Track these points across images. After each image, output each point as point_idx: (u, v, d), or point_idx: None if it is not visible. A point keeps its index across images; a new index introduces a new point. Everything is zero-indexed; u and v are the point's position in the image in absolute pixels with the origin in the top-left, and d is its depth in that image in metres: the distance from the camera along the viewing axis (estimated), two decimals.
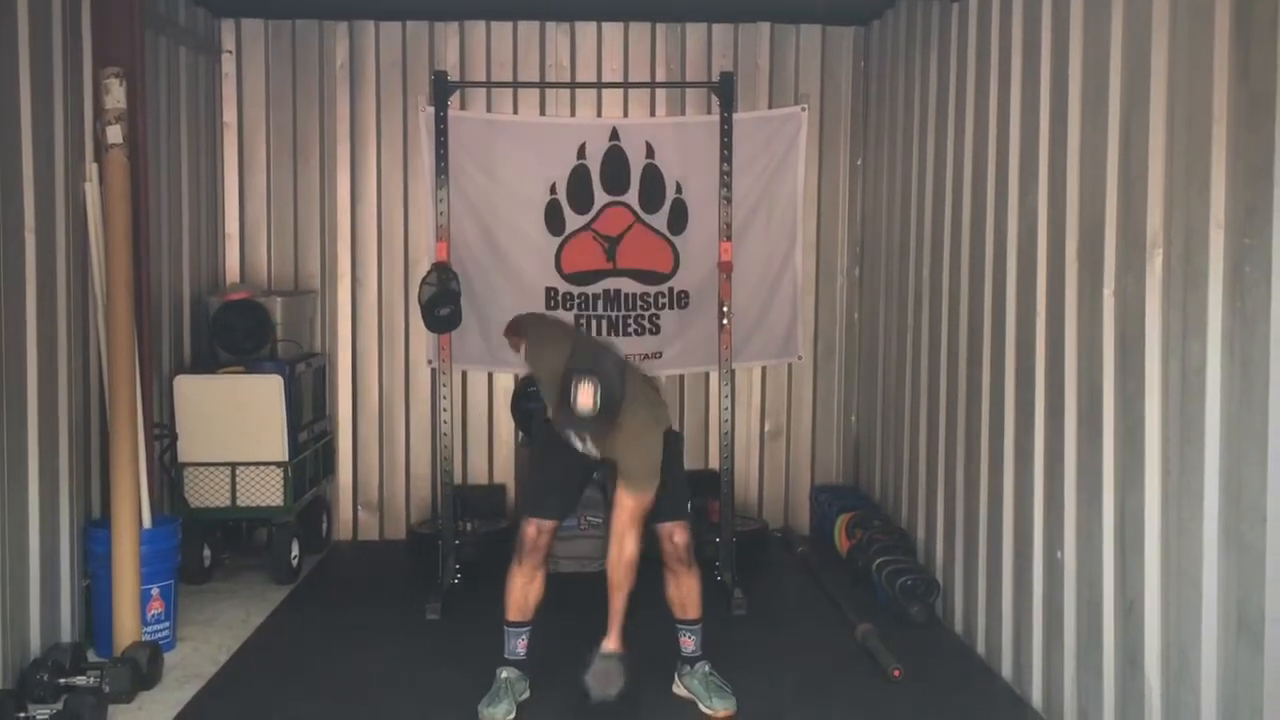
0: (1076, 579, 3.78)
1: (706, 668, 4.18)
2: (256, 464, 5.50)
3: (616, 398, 3.74)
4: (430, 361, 6.27)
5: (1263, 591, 2.80)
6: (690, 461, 4.36)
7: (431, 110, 5.64)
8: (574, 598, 4.37)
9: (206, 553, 5.52)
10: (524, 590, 4.12)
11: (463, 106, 6.17)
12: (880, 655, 4.48)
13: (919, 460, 5.41)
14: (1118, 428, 3.51)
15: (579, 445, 3.89)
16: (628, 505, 3.95)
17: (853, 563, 5.55)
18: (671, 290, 6.28)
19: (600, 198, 6.22)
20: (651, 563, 4.16)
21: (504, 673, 4.13)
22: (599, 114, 6.41)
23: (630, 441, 3.93)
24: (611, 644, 3.93)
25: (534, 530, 4.11)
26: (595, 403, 3.68)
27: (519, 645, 4.16)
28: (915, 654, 4.52)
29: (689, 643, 4.20)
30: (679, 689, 4.23)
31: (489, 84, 6.28)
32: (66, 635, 4.43)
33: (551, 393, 3.93)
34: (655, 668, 4.28)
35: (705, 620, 4.22)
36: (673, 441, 4.24)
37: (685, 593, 4.17)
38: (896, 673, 4.32)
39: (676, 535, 4.11)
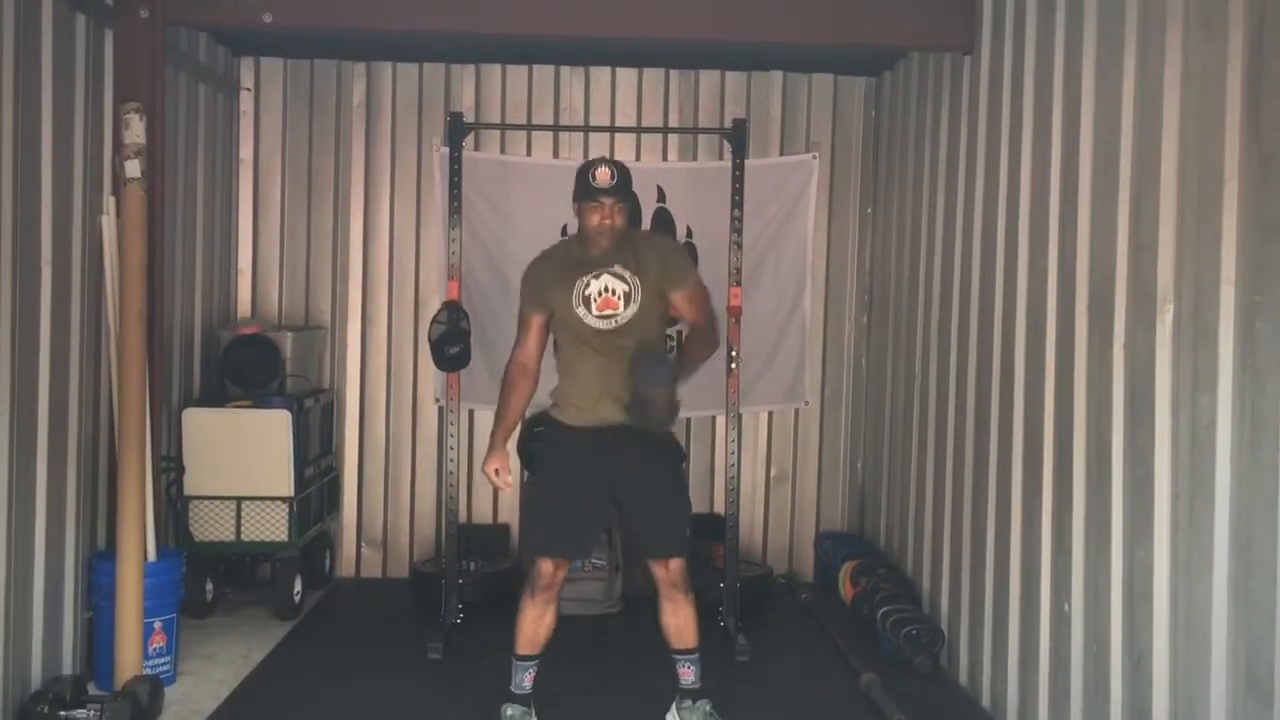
0: (1084, 632, 3.76)
1: (708, 706, 4.13)
2: (262, 499, 5.49)
3: (629, 182, 3.98)
4: (438, 400, 6.28)
5: (1273, 650, 2.79)
6: (695, 505, 4.35)
7: (446, 150, 5.70)
8: (576, 641, 4.35)
9: (209, 587, 5.50)
10: (536, 625, 4.08)
11: (477, 148, 6.23)
12: (884, 706, 4.45)
13: (925, 508, 5.40)
14: (1127, 481, 3.51)
15: (598, 287, 3.96)
16: (697, 297, 4.08)
17: (857, 611, 5.52)
18: (680, 334, 6.30)
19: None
20: (655, 612, 4.14)
21: (509, 710, 4.10)
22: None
23: (669, 249, 4.08)
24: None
25: (550, 568, 4.04)
26: (614, 174, 3.93)
27: (526, 679, 4.11)
28: (919, 705, 4.48)
29: (688, 673, 4.13)
30: None
31: (503, 126, 6.34)
32: (68, 667, 4.41)
33: (542, 271, 4.14)
34: (660, 708, 4.25)
35: (708, 665, 4.19)
36: (674, 456, 4.23)
37: (682, 621, 4.09)
38: None
39: (673, 563, 4.07)
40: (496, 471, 4.02)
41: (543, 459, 4.30)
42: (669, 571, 4.06)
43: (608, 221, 3.97)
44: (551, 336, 4.17)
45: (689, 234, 6.27)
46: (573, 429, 4.07)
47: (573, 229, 6.15)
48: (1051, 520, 4.01)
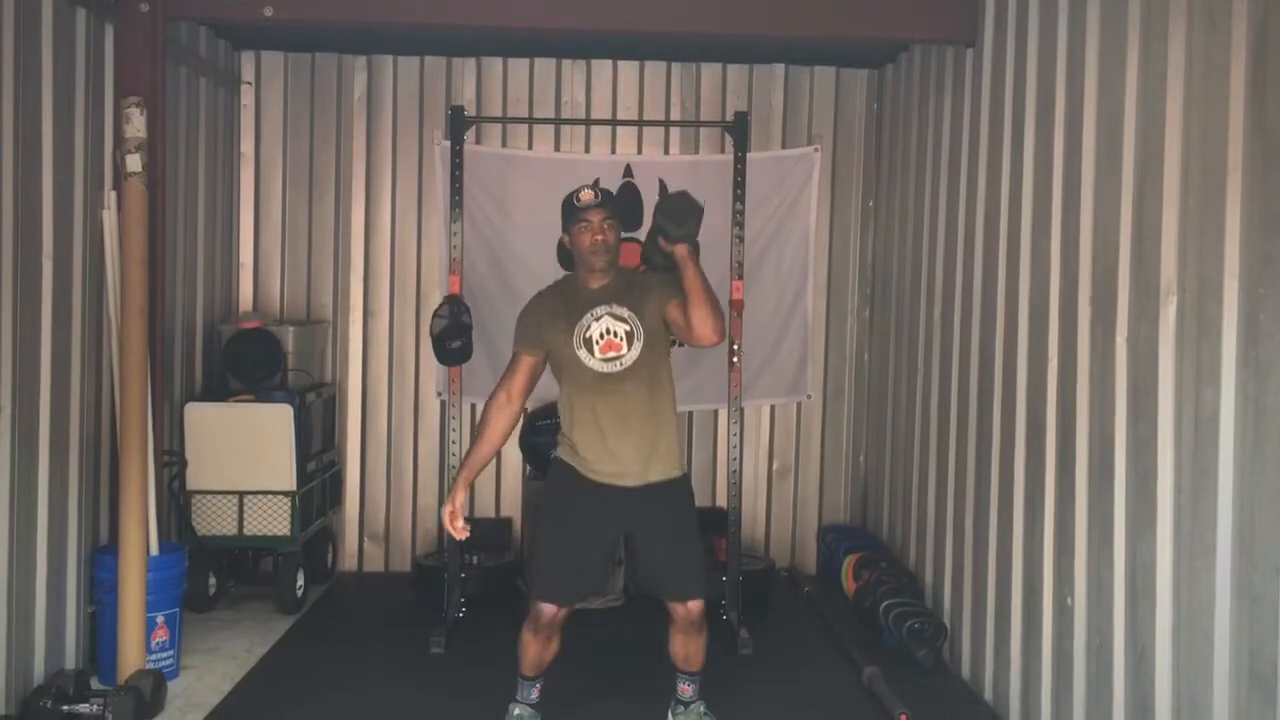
0: (1086, 626, 3.76)
1: (702, 707, 4.13)
2: (264, 493, 5.50)
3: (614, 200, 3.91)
4: (440, 394, 6.28)
5: (1275, 644, 2.78)
6: (698, 499, 4.32)
7: (447, 144, 5.69)
8: (578, 635, 4.34)
9: (212, 581, 5.51)
10: (541, 654, 4.01)
11: (478, 141, 6.23)
12: (887, 699, 4.45)
13: (928, 502, 5.39)
14: (1129, 474, 3.50)
15: (599, 330, 3.83)
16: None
17: (859, 604, 5.52)
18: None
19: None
20: (658, 605, 4.14)
21: (516, 710, 4.09)
22: (613, 151, 6.45)
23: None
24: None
25: (552, 611, 3.91)
26: (597, 193, 3.89)
27: (533, 693, 4.10)
28: (922, 699, 4.48)
29: (687, 690, 4.12)
30: None
31: (504, 119, 6.33)
32: (71, 662, 4.42)
33: (537, 314, 4.02)
34: (661, 710, 4.26)
35: (711, 658, 4.16)
36: (689, 503, 4.06)
37: (692, 650, 4.03)
38: (903, 717, 4.28)
39: (692, 603, 3.94)
40: (450, 516, 3.84)
41: (548, 496, 4.12)
42: (688, 610, 3.93)
43: (599, 238, 3.84)
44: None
45: None
46: (577, 472, 3.93)
47: None
48: (1054, 513, 4.00)
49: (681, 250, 3.73)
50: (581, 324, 3.86)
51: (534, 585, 4.05)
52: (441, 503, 6.23)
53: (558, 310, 3.93)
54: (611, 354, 3.83)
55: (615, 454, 3.86)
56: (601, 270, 3.90)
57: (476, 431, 4.03)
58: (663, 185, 6.12)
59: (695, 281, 3.71)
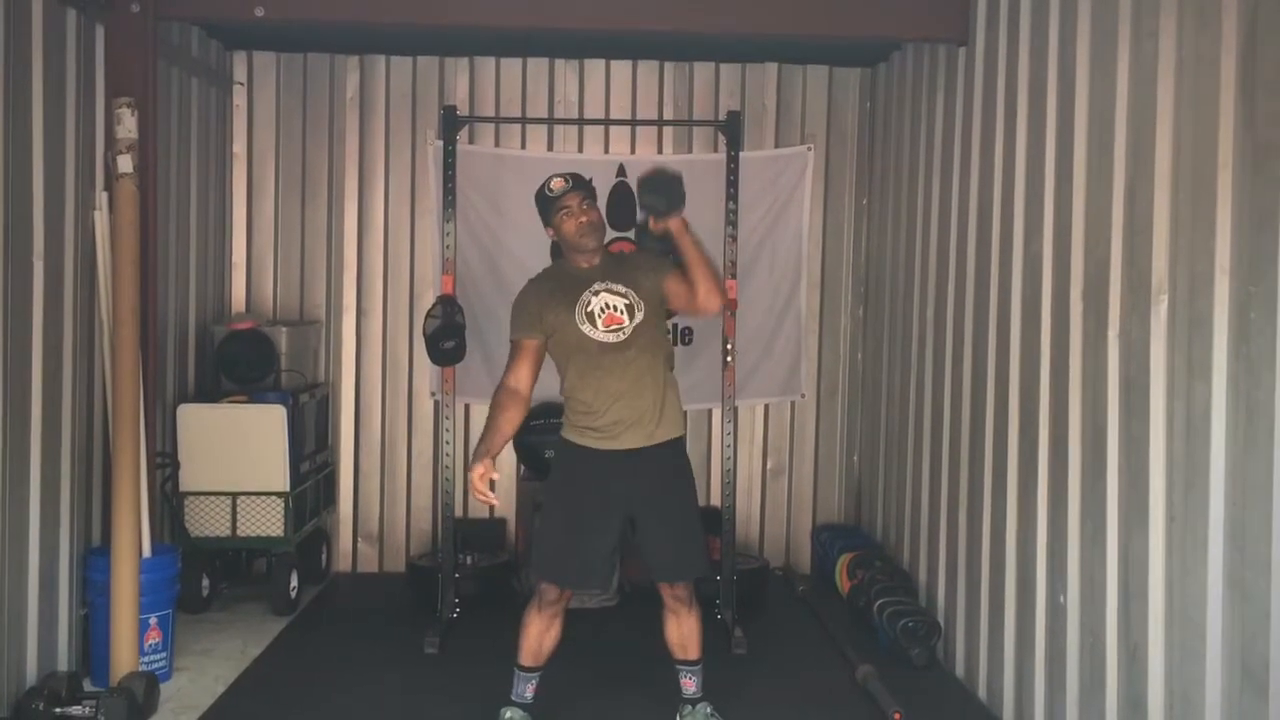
0: (1079, 623, 3.76)
1: (709, 709, 4.14)
2: (258, 494, 5.48)
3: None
4: (433, 394, 6.28)
5: (1267, 640, 2.79)
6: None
7: (440, 144, 5.69)
8: (573, 635, 4.33)
9: (205, 582, 5.50)
10: (541, 638, 4.04)
11: (471, 141, 6.22)
12: (881, 698, 4.45)
13: (921, 501, 5.40)
14: (1122, 471, 3.50)
15: (598, 305, 3.92)
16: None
17: (854, 603, 5.52)
18: (675, 327, 6.29)
19: (606, 233, 6.22)
20: (653, 606, 4.14)
21: (509, 713, 4.08)
22: (606, 151, 6.44)
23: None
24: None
25: (555, 594, 4.01)
26: (567, 179, 3.96)
27: (528, 690, 4.10)
28: (916, 697, 4.48)
29: (690, 684, 4.15)
30: None
31: (497, 119, 6.33)
32: (63, 664, 4.41)
33: (529, 304, 4.05)
34: (659, 706, 4.25)
35: (705, 659, 4.18)
36: (689, 479, 4.15)
37: (686, 633, 4.10)
38: (897, 716, 4.28)
39: (678, 583, 4.05)
40: (480, 476, 3.80)
41: (555, 477, 4.16)
42: (674, 589, 4.05)
43: (584, 219, 3.97)
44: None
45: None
46: (586, 450, 4.00)
47: None
48: (1047, 511, 4.01)
49: (676, 224, 3.81)
50: (581, 300, 3.97)
51: (540, 566, 4.07)
52: (436, 502, 6.26)
53: (555, 291, 4.02)
54: (614, 325, 3.95)
55: (629, 406, 3.94)
56: (593, 250, 4.04)
57: (491, 415, 3.99)
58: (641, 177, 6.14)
59: (694, 250, 3.86)
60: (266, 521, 5.50)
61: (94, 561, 4.55)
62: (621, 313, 3.95)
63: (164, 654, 4.65)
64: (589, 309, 3.95)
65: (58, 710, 4.01)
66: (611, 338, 3.95)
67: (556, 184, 3.98)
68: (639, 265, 4.09)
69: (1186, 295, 3.17)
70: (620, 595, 5.76)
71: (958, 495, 4.88)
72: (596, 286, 3.97)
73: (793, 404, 6.61)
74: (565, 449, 4.07)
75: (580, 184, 4.03)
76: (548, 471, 4.30)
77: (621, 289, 3.98)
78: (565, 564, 4.00)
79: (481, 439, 3.98)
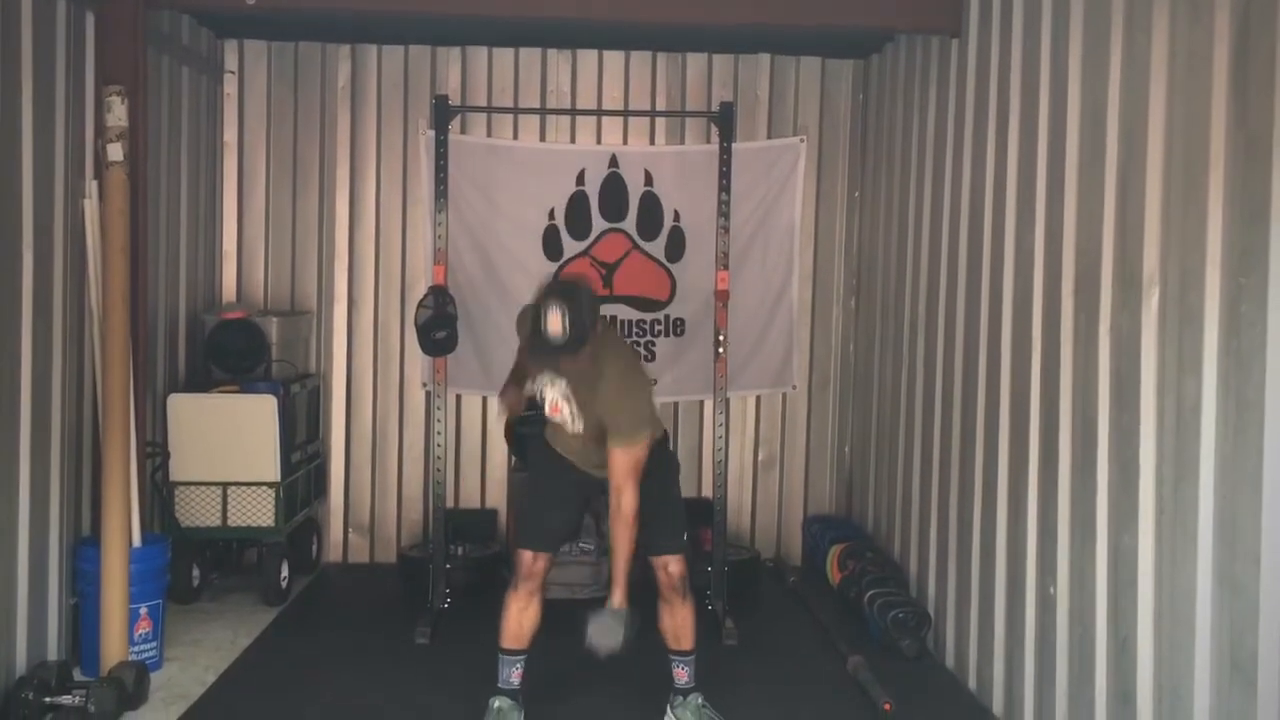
0: (1069, 615, 3.77)
1: (699, 699, 4.16)
2: (248, 484, 5.48)
3: (586, 324, 3.73)
4: (425, 384, 6.26)
5: (1256, 633, 2.80)
6: (684, 489, 4.36)
7: (432, 134, 5.67)
8: (564, 625, 4.34)
9: (195, 572, 5.49)
10: (519, 617, 4.09)
11: (463, 131, 6.20)
12: (871, 688, 4.46)
13: (912, 492, 5.41)
14: (1112, 464, 3.51)
15: (551, 395, 3.97)
16: (620, 461, 3.91)
17: (844, 594, 5.54)
18: (668, 318, 6.29)
19: (598, 224, 6.23)
20: (648, 593, 4.14)
21: (497, 702, 4.09)
22: (598, 141, 6.43)
23: (615, 394, 3.93)
24: (616, 600, 3.87)
25: (529, 559, 4.10)
26: (564, 327, 3.68)
27: (513, 675, 4.11)
28: (906, 688, 4.50)
29: (682, 674, 4.17)
30: None
31: (490, 109, 6.31)
32: (53, 653, 4.40)
33: (524, 330, 3.98)
34: (648, 699, 4.26)
35: (696, 650, 4.20)
36: (670, 464, 4.24)
37: (679, 623, 4.13)
38: (887, 706, 4.30)
39: (671, 566, 4.09)
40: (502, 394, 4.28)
41: (534, 458, 4.35)
42: (668, 574, 4.09)
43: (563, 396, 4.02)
44: None
45: (676, 218, 6.25)
46: (557, 451, 4.20)
47: (559, 213, 6.21)
48: (1037, 503, 4.02)
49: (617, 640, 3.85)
50: (544, 375, 4.01)
51: (516, 540, 4.23)
52: (427, 492, 6.25)
53: (534, 342, 3.86)
54: (556, 416, 4.04)
55: (582, 459, 4.12)
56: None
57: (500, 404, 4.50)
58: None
59: (624, 561, 3.90)
60: (257, 511, 5.49)
61: (84, 551, 4.55)
62: (565, 415, 4.02)
63: (154, 644, 4.64)
64: (542, 390, 4.03)
65: (48, 699, 4.00)
66: (558, 418, 4.05)
67: (554, 329, 3.70)
68: (607, 387, 3.91)
69: (1177, 289, 3.18)
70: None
71: (949, 487, 4.89)
72: (555, 378, 3.97)
73: (784, 395, 6.61)
74: (544, 446, 4.24)
75: (576, 339, 3.73)
76: None
77: (572, 400, 3.98)
78: (533, 531, 4.18)
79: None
